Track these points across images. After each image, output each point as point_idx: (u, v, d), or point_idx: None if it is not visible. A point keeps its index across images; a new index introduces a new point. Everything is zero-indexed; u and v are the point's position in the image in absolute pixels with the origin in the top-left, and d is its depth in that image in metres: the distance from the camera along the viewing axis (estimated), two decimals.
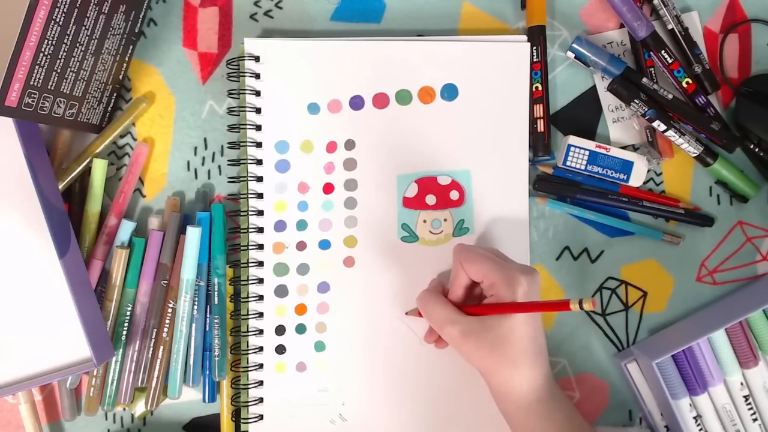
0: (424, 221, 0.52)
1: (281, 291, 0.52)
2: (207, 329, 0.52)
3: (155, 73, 0.53)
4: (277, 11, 0.54)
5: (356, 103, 0.52)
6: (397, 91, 0.52)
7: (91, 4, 0.43)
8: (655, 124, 0.51)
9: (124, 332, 0.51)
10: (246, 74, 0.51)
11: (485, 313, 0.45)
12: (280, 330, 0.52)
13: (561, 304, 0.40)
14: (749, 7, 0.54)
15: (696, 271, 0.54)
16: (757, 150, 0.52)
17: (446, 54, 0.52)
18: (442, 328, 0.46)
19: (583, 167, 0.52)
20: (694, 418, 0.50)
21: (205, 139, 0.54)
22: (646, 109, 0.50)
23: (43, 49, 0.41)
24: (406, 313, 0.52)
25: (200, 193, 0.53)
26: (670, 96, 0.51)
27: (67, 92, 0.45)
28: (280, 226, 0.52)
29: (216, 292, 0.52)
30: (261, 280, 0.52)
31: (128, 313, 0.51)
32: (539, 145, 0.53)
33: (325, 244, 0.52)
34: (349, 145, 0.52)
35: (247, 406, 0.52)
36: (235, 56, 0.52)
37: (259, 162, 0.52)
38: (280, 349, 0.52)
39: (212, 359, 0.52)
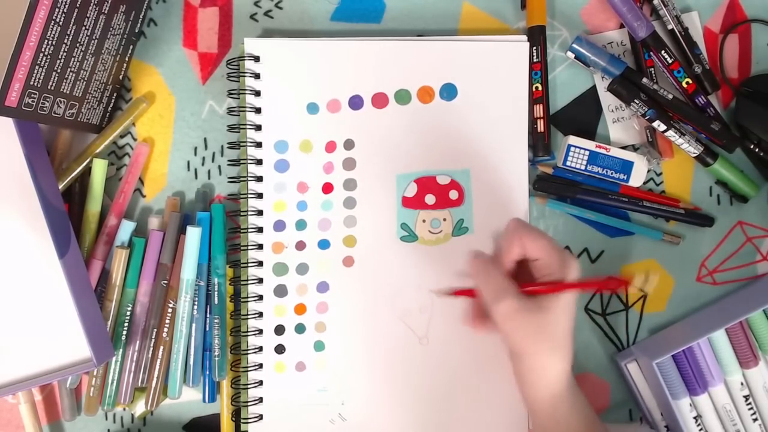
0: (424, 221, 0.52)
1: (280, 291, 0.52)
2: (207, 329, 0.52)
3: (155, 73, 0.53)
4: (277, 11, 0.54)
5: (355, 102, 0.52)
6: (396, 90, 0.52)
7: (91, 4, 0.43)
8: (655, 124, 0.51)
9: (124, 332, 0.51)
10: (246, 74, 0.51)
11: (544, 292, 0.43)
12: (279, 330, 0.52)
13: (620, 281, 0.44)
14: (749, 7, 0.54)
15: (696, 271, 0.54)
16: (757, 150, 0.52)
17: (446, 54, 0.52)
18: (496, 299, 0.42)
19: (583, 167, 0.52)
20: (695, 418, 0.50)
21: (205, 139, 0.54)
22: (646, 109, 0.50)
23: (43, 49, 0.41)
24: (435, 292, 0.50)
25: (200, 193, 0.53)
26: (670, 96, 0.51)
27: (67, 92, 0.45)
28: (279, 225, 0.52)
29: (216, 292, 0.52)
30: (260, 280, 0.52)
31: (128, 313, 0.51)
32: (539, 145, 0.53)
33: (324, 244, 0.52)
34: (348, 144, 0.52)
35: (247, 406, 0.52)
36: (235, 56, 0.52)
37: (259, 162, 0.52)
38: (280, 349, 0.52)
39: (212, 359, 0.52)
